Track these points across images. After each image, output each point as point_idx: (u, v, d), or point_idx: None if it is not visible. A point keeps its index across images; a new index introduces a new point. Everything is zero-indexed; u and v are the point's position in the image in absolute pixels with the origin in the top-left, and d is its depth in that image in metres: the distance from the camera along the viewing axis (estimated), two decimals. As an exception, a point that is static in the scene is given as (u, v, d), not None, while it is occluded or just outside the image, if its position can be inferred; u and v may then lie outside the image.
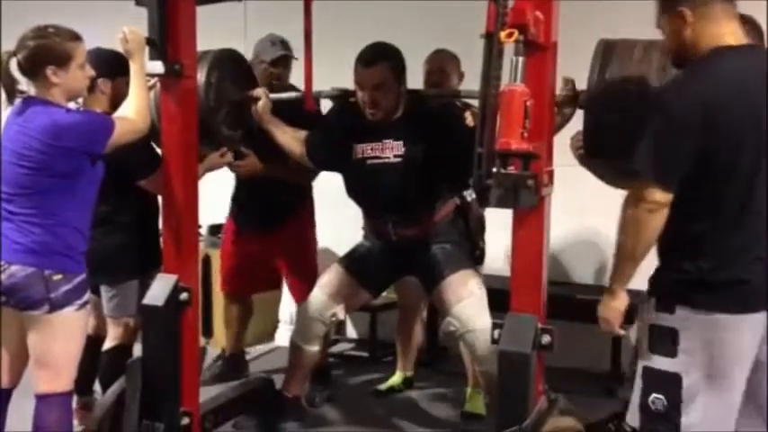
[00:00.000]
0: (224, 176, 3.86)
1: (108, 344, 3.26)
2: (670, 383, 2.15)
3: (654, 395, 2.16)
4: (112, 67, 2.96)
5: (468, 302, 3.04)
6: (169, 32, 2.76)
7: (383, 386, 3.93)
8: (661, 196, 2.11)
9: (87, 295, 2.68)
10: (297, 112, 3.29)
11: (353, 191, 3.23)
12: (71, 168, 2.57)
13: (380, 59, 3.00)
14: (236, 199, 3.93)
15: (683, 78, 2.17)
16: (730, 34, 2.13)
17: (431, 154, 3.01)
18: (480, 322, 2.99)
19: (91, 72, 2.69)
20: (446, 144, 2.94)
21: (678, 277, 2.17)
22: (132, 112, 2.67)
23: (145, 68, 2.71)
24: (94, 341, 3.22)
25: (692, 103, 2.06)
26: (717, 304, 2.11)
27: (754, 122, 2.08)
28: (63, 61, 2.56)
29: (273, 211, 3.75)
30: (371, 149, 3.08)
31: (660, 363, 2.17)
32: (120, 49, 2.75)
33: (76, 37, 2.62)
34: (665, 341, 2.16)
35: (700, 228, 2.13)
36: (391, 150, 3.05)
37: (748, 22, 2.66)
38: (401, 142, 3.04)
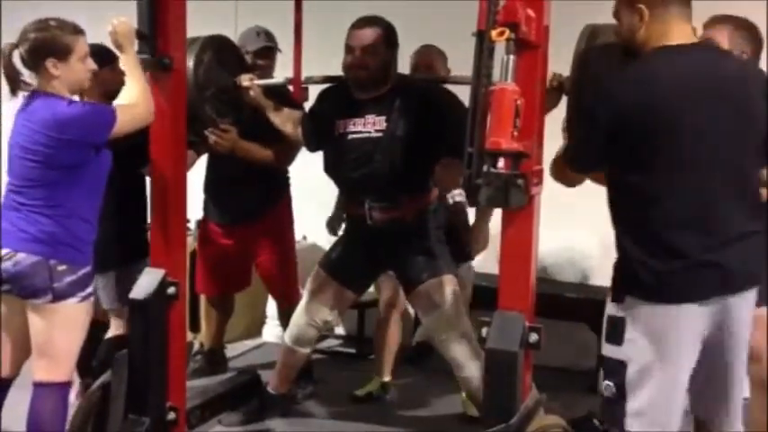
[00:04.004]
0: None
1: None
2: (617, 370, 2.23)
3: (606, 382, 2.26)
4: (96, 61, 2.93)
5: (440, 312, 3.01)
6: (159, 25, 2.74)
7: (361, 391, 3.85)
8: None
9: (91, 288, 2.71)
10: (282, 100, 3.30)
11: (331, 166, 3.15)
12: (75, 160, 2.59)
13: (373, 24, 3.00)
14: (208, 191, 3.85)
15: (606, 81, 2.27)
16: (677, 35, 2.21)
17: (415, 131, 2.95)
18: (454, 331, 2.98)
19: (92, 65, 2.69)
20: (435, 119, 2.92)
21: (625, 267, 2.24)
22: (134, 101, 2.66)
23: (136, 59, 2.70)
24: (98, 324, 3.23)
25: (609, 105, 2.18)
26: (658, 294, 2.18)
27: (681, 118, 2.14)
28: (63, 54, 2.57)
29: (249, 204, 3.71)
30: (353, 124, 3.03)
31: (610, 351, 2.26)
32: (108, 41, 2.74)
33: (78, 30, 2.62)
34: (615, 330, 2.24)
35: (639, 219, 2.20)
36: (373, 125, 3.00)
37: (745, 28, 2.69)
38: (384, 117, 2.99)
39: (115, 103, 2.69)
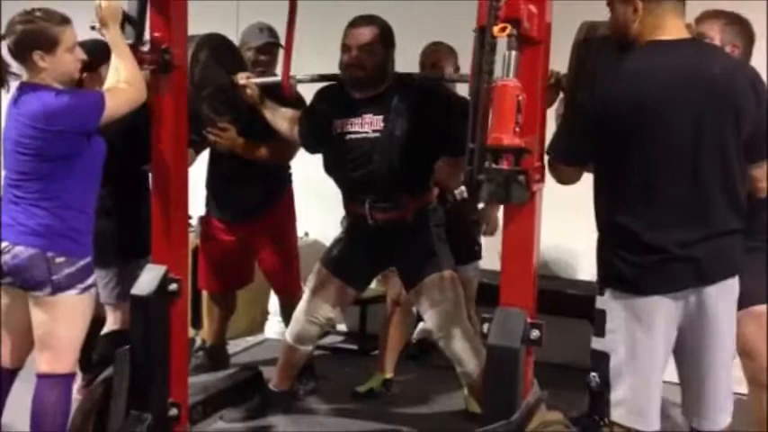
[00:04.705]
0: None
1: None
2: (601, 362, 2.29)
3: (592, 374, 2.32)
4: (94, 58, 2.92)
5: (441, 308, 3.02)
6: (160, 22, 2.74)
7: (362, 388, 3.85)
8: None
9: (92, 279, 2.71)
10: (280, 97, 3.30)
11: (331, 167, 3.16)
12: (67, 150, 2.59)
13: (370, 24, 2.99)
14: (210, 188, 3.85)
15: (601, 76, 2.31)
16: (670, 29, 2.23)
17: (413, 131, 2.95)
18: (454, 327, 2.99)
19: (81, 55, 2.68)
20: (433, 118, 2.92)
21: (604, 261, 2.31)
22: (123, 82, 2.63)
23: (121, 38, 2.65)
24: (99, 320, 3.24)
25: (594, 97, 2.25)
26: (635, 287, 2.23)
27: (670, 113, 2.17)
28: (50, 46, 2.56)
29: (251, 201, 3.71)
30: (351, 124, 3.02)
31: (595, 343, 2.32)
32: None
33: (64, 20, 2.60)
34: (599, 322, 2.31)
35: (616, 213, 2.25)
36: (370, 125, 3.00)
37: (736, 22, 2.70)
38: (381, 117, 2.98)
39: (105, 87, 2.66)
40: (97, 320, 3.30)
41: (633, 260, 2.23)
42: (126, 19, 2.68)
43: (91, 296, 2.74)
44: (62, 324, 2.66)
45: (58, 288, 2.61)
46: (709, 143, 2.19)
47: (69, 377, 2.73)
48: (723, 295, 2.28)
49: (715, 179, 2.21)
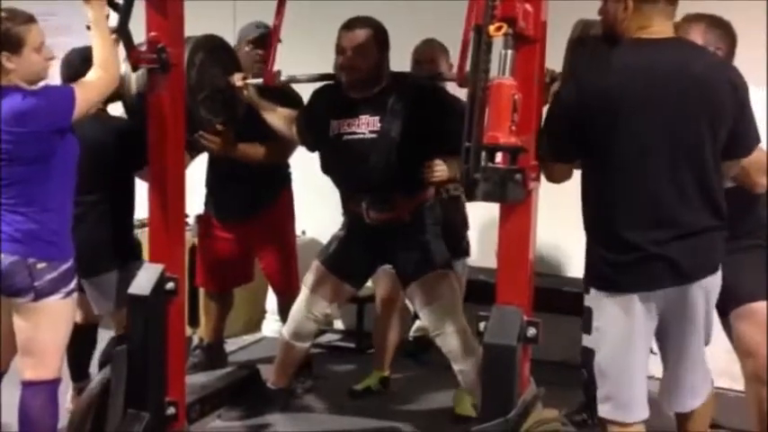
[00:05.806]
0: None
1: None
2: (588, 358, 2.34)
3: (582, 369, 2.40)
4: (86, 64, 2.91)
5: (437, 305, 3.04)
6: (157, 21, 2.74)
7: (359, 386, 3.86)
8: None
9: (74, 283, 2.67)
10: (277, 96, 3.31)
11: (328, 167, 3.17)
12: (41, 151, 2.54)
13: (363, 25, 3.00)
14: (209, 187, 3.87)
15: (579, 70, 2.35)
16: (656, 30, 2.25)
17: (409, 131, 2.95)
18: (450, 325, 3.01)
19: (50, 54, 2.62)
20: (429, 117, 2.93)
21: (589, 259, 2.35)
22: (96, 67, 2.60)
23: (104, 17, 2.61)
24: (88, 328, 3.26)
25: (572, 89, 2.27)
26: (615, 285, 2.27)
27: (647, 108, 2.19)
28: (16, 47, 2.51)
29: (250, 200, 3.72)
30: (348, 125, 3.03)
31: (585, 340, 2.38)
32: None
33: (30, 19, 2.55)
34: (586, 319, 2.34)
35: (600, 214, 2.29)
36: (367, 126, 3.00)
37: (718, 26, 2.72)
38: (377, 117, 2.99)
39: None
40: (88, 327, 3.31)
41: (612, 259, 2.26)
42: (111, 4, 2.63)
43: (74, 300, 2.69)
44: (45, 330, 2.62)
45: (41, 294, 2.56)
46: (686, 141, 2.21)
47: (54, 383, 2.69)
48: (703, 291, 2.30)
49: (690, 176, 2.22)
